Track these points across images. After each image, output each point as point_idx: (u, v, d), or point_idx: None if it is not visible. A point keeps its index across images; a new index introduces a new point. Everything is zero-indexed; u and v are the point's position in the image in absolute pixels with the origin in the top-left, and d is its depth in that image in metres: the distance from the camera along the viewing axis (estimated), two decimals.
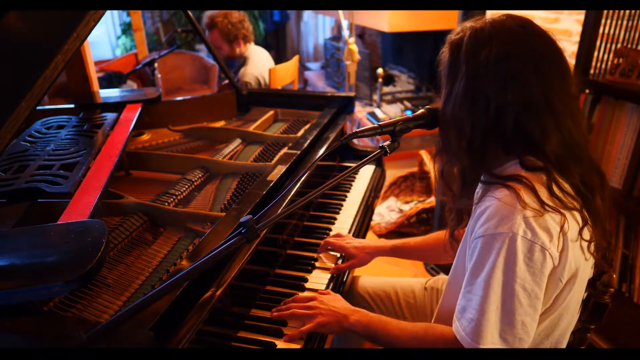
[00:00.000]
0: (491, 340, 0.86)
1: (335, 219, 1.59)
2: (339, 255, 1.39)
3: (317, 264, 1.34)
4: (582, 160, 0.93)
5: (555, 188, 0.88)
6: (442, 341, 0.96)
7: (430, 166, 3.05)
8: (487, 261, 0.87)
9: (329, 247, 1.40)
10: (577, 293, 0.96)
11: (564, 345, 1.02)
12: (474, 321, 0.87)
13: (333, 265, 1.34)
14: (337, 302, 1.12)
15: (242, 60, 3.08)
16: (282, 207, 1.23)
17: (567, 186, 0.90)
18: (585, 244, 0.91)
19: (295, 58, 3.43)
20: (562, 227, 0.85)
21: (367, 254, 1.38)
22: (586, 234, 0.90)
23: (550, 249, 0.84)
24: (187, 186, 1.43)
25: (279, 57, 3.24)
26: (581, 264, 0.91)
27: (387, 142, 1.03)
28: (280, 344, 1.05)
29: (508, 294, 0.85)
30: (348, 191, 1.77)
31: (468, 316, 0.89)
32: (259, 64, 3.07)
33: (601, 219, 0.94)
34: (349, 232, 1.52)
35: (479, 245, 0.88)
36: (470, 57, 0.90)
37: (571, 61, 2.68)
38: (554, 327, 0.97)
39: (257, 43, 3.28)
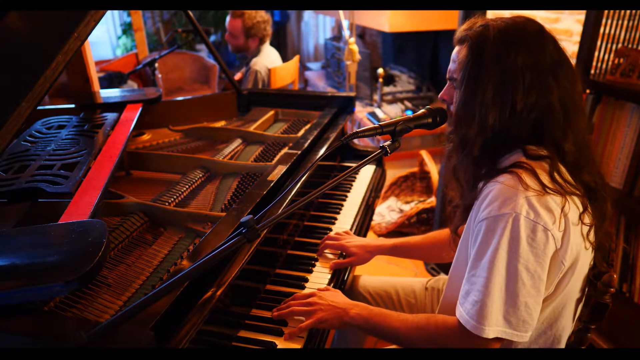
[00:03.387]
0: (495, 321, 0.87)
1: (335, 219, 1.59)
2: (338, 254, 1.39)
3: (318, 263, 1.34)
4: (592, 160, 0.98)
5: (556, 174, 0.91)
6: (444, 328, 0.96)
7: (431, 166, 3.04)
8: (491, 242, 0.88)
9: (328, 248, 1.39)
10: (578, 281, 0.97)
11: (565, 338, 1.03)
12: (478, 303, 0.88)
13: (334, 262, 1.34)
14: (337, 297, 1.12)
15: (256, 53, 3.16)
16: (282, 207, 1.23)
17: (568, 175, 0.93)
18: (585, 230, 0.93)
19: (296, 58, 3.43)
20: (562, 208, 0.87)
21: (367, 253, 1.38)
22: (586, 219, 0.93)
23: (553, 229, 0.86)
24: (187, 186, 1.43)
25: (280, 56, 3.26)
26: (582, 250, 0.93)
27: (388, 142, 1.04)
28: (281, 342, 1.04)
29: (511, 275, 0.87)
30: (348, 191, 1.77)
31: (472, 299, 0.90)
32: (270, 58, 3.16)
33: (605, 219, 0.98)
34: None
35: (483, 228, 0.90)
36: (499, 61, 0.92)
37: (572, 61, 2.68)
38: (558, 316, 0.98)
39: None
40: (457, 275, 1.05)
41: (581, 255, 0.93)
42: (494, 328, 0.88)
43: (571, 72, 0.96)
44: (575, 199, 0.92)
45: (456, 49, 1.00)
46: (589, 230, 0.94)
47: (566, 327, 1.02)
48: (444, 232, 1.34)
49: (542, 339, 1.00)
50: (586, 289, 1.05)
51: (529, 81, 0.91)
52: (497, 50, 0.92)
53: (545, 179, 0.90)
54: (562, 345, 1.05)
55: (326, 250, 1.39)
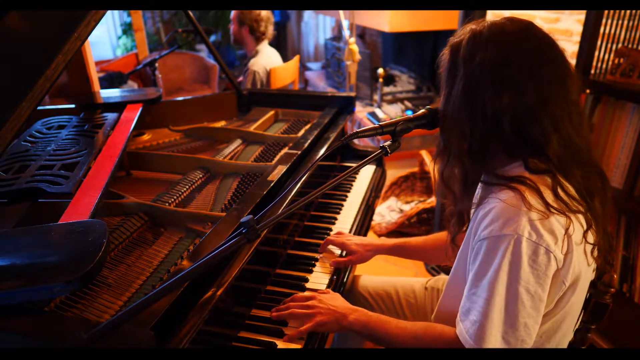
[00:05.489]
0: (494, 342, 0.87)
1: (335, 219, 1.59)
2: (339, 253, 1.39)
3: (318, 263, 1.34)
4: (583, 163, 0.93)
5: (560, 191, 0.88)
6: (442, 341, 0.96)
7: (431, 166, 3.05)
8: (492, 263, 0.86)
9: (330, 245, 1.40)
10: (579, 296, 0.96)
11: (564, 346, 1.03)
12: (478, 323, 0.87)
13: (334, 260, 1.35)
14: (336, 301, 1.12)
15: (254, 53, 3.18)
16: (282, 207, 1.23)
17: (571, 189, 0.90)
18: (589, 248, 0.91)
19: (296, 58, 3.44)
20: (567, 230, 0.85)
21: (367, 251, 1.38)
22: (590, 238, 0.90)
23: (555, 251, 0.84)
24: (187, 186, 1.43)
25: (280, 56, 3.28)
26: (583, 268, 0.91)
27: (388, 142, 1.03)
28: (281, 344, 1.05)
29: (512, 296, 0.85)
30: (349, 191, 1.77)
31: (472, 318, 0.89)
32: (269, 58, 3.18)
33: (602, 222, 0.94)
34: (350, 232, 1.52)
35: (484, 247, 0.88)
36: (467, 61, 0.90)
37: (572, 61, 2.68)
38: (556, 329, 0.97)
39: None
40: (455, 285, 1.05)
41: (582, 273, 0.91)
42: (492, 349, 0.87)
43: (562, 71, 0.90)
44: (580, 216, 0.88)
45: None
46: (593, 249, 0.92)
47: (564, 339, 1.01)
48: (445, 235, 1.34)
49: (547, 346, 1.00)
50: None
51: (498, 82, 0.87)
52: (468, 52, 0.90)
53: (550, 197, 0.86)
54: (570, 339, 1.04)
55: (328, 247, 1.40)
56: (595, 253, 0.93)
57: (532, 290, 0.85)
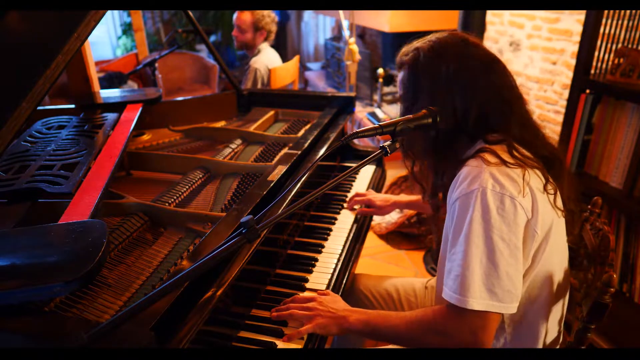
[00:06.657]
0: (479, 293, 0.90)
1: (335, 219, 1.59)
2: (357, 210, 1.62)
3: (317, 264, 1.34)
4: (537, 136, 1.07)
5: (514, 152, 1.00)
6: (440, 315, 0.97)
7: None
8: (465, 219, 0.93)
9: (356, 204, 1.64)
10: (557, 253, 1.02)
11: (554, 318, 1.07)
12: (460, 277, 0.92)
13: (361, 209, 1.63)
14: (337, 304, 1.12)
15: (256, 52, 3.18)
16: (282, 207, 1.24)
17: (527, 153, 1.01)
18: (552, 199, 1.00)
19: (296, 58, 3.44)
20: (523, 177, 0.95)
21: (389, 206, 1.63)
22: (550, 188, 1.00)
23: (519, 198, 0.92)
24: (187, 186, 1.43)
25: (280, 57, 3.29)
26: (554, 219, 0.98)
27: (388, 142, 1.03)
28: (281, 344, 1.05)
29: (489, 246, 0.91)
30: (349, 191, 1.77)
31: (453, 274, 0.93)
32: (270, 57, 3.20)
33: (567, 183, 1.06)
34: (349, 233, 1.52)
35: (457, 208, 0.96)
36: (430, 74, 1.05)
37: (572, 61, 2.68)
38: (542, 288, 1.02)
39: None
40: (443, 267, 1.07)
41: (554, 223, 0.99)
42: (479, 301, 0.90)
43: (502, 67, 1.06)
44: (537, 171, 0.99)
45: (399, 74, 1.14)
46: (555, 198, 1.00)
47: (557, 304, 1.05)
48: None
49: (531, 314, 1.03)
50: (571, 279, 1.10)
51: (462, 86, 1.02)
52: (429, 66, 1.05)
53: (506, 156, 0.98)
54: (555, 329, 1.08)
55: (355, 206, 1.63)
56: (560, 203, 1.02)
57: (506, 239, 0.91)
